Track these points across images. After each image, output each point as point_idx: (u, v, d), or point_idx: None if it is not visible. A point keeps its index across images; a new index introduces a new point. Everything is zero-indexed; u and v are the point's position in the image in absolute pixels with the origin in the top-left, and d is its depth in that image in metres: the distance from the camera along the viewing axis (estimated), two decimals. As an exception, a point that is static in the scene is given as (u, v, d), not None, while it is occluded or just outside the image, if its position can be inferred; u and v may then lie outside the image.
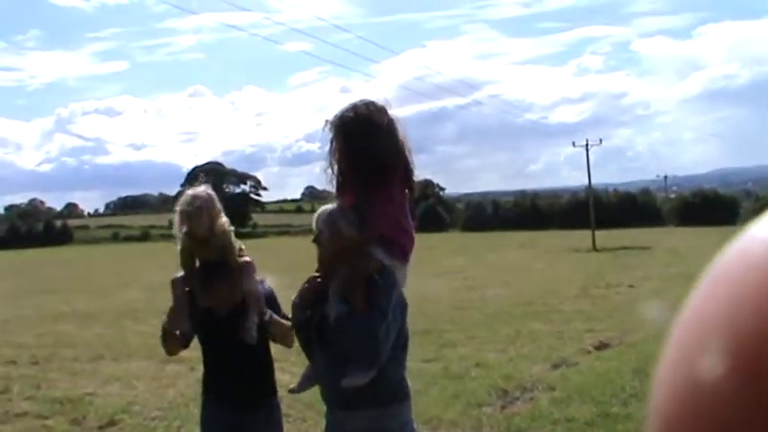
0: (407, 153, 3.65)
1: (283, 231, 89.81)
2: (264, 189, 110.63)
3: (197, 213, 4.39)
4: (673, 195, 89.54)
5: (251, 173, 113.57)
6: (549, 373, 10.17)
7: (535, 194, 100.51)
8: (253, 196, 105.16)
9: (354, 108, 3.61)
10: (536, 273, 26.98)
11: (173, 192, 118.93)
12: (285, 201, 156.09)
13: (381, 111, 3.62)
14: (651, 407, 0.44)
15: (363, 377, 3.40)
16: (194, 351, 13.40)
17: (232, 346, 4.38)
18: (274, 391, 4.62)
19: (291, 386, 3.97)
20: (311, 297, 3.68)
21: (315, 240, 3.63)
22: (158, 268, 33.88)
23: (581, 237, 47.58)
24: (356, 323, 3.44)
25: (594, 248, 42.10)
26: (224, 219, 4.53)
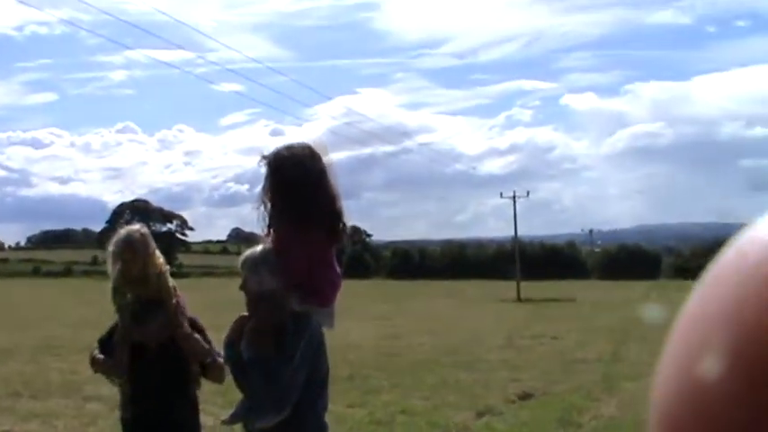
0: (337, 201, 3.68)
1: (208, 272, 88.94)
2: (191, 229, 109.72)
3: (131, 254, 4.39)
4: (597, 249, 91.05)
5: (177, 212, 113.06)
6: (474, 421, 10.19)
7: (462, 244, 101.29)
8: (178, 236, 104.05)
9: (290, 148, 3.68)
10: (462, 322, 27.11)
11: (97, 227, 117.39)
12: (211, 242, 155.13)
13: (315, 157, 3.67)
14: (652, 407, 0.45)
15: (270, 419, 3.50)
16: (115, 391, 13.15)
17: (161, 377, 4.38)
18: (198, 429, 4.63)
19: (223, 417, 4.00)
20: (236, 336, 3.73)
21: (240, 287, 3.70)
22: (81, 304, 33.33)
23: (506, 287, 48.12)
24: (260, 370, 3.53)
25: (519, 299, 42.57)
26: (159, 258, 4.53)
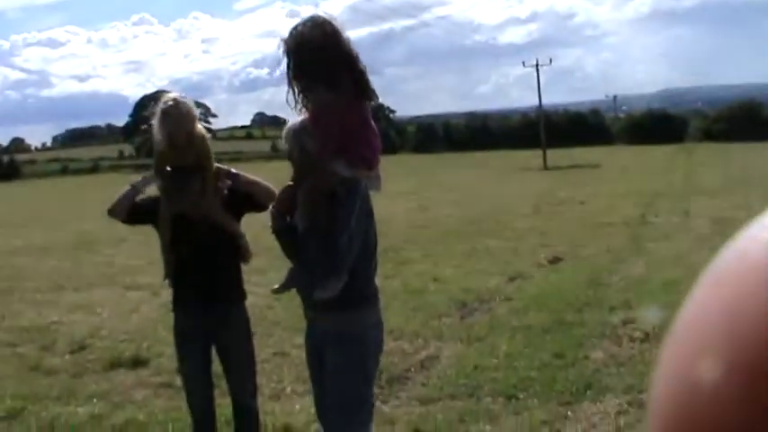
0: (355, 59, 3.76)
1: (234, 158, 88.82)
2: (214, 116, 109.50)
3: (180, 116, 4.45)
4: (622, 115, 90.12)
5: (200, 100, 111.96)
6: (506, 285, 10.47)
7: (485, 115, 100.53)
8: (203, 123, 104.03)
9: (299, 24, 3.76)
10: (489, 192, 27.26)
11: (120, 122, 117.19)
12: (235, 128, 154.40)
13: (325, 22, 3.74)
14: (649, 409, 0.44)
15: (332, 289, 3.63)
16: (156, 277, 13.63)
17: (203, 249, 4.51)
18: (243, 297, 4.75)
19: (275, 286, 4.16)
20: (287, 206, 3.88)
21: (288, 158, 3.83)
22: (110, 199, 33.63)
23: (532, 156, 47.94)
24: (318, 238, 3.67)
25: (545, 167, 42.56)
26: (201, 125, 4.62)
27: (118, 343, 8.56)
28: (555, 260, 12.24)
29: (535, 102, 53.95)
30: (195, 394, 4.76)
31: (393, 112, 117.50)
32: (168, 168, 4.49)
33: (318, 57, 3.66)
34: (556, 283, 10.37)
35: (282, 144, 3.86)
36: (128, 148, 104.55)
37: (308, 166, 3.72)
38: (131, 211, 4.58)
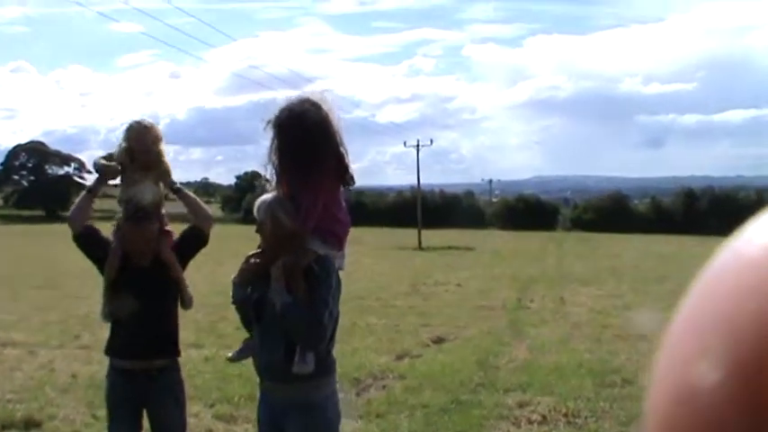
0: (340, 147, 3.95)
1: (107, 216, 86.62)
2: (89, 172, 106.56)
3: (142, 131, 4.69)
4: (495, 199, 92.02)
5: (74, 155, 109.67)
6: (396, 363, 10.62)
7: (360, 192, 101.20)
8: (76, 179, 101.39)
9: (290, 105, 3.91)
10: (366, 269, 27.37)
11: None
12: (108, 186, 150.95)
13: (316, 106, 3.91)
14: (647, 411, 0.44)
15: (311, 363, 3.80)
16: (32, 335, 13.19)
17: (147, 293, 4.61)
18: (179, 353, 4.84)
19: (229, 354, 4.31)
20: (250, 277, 3.99)
21: (258, 230, 3.95)
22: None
23: (407, 235, 48.37)
24: (301, 313, 3.79)
25: (420, 247, 43.03)
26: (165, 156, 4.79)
27: (5, 402, 8.33)
28: (438, 340, 12.46)
29: (409, 181, 54.86)
30: None
31: (269, 181, 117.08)
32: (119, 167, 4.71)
33: (305, 138, 3.82)
34: (445, 362, 10.54)
35: (255, 215, 3.95)
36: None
37: (284, 241, 3.83)
38: (88, 232, 4.66)
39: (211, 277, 15.14)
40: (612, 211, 71.42)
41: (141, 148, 4.64)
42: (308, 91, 4.08)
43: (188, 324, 12.07)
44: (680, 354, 0.42)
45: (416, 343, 12.21)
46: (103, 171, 4.74)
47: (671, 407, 0.41)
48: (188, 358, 9.55)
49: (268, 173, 3.95)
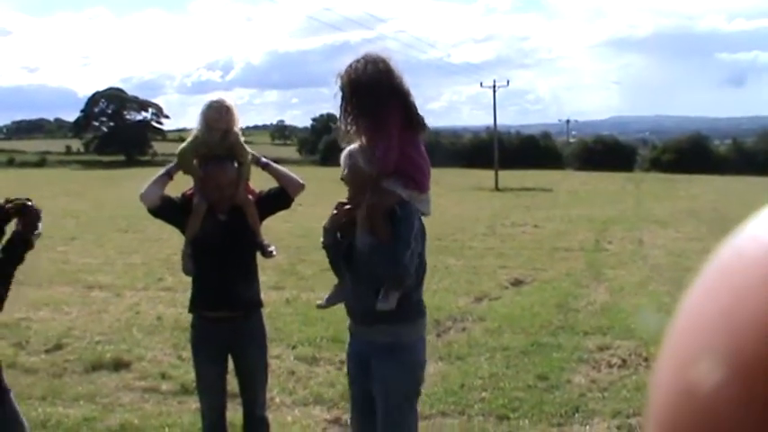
0: (407, 95, 4.06)
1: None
2: (166, 117, 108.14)
3: (220, 109, 4.71)
4: (573, 140, 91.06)
5: (151, 100, 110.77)
6: (475, 305, 10.66)
7: (437, 132, 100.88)
8: (154, 124, 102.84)
9: (357, 62, 4.04)
10: (442, 210, 27.33)
11: (69, 117, 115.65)
12: (185, 129, 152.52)
13: (378, 60, 4.04)
14: (648, 412, 0.44)
15: (393, 302, 3.87)
16: (118, 278, 13.44)
17: (226, 248, 4.67)
18: (261, 304, 4.92)
19: (319, 302, 4.42)
20: (340, 222, 4.11)
21: (342, 178, 4.06)
22: (58, 194, 33.28)
23: (484, 176, 48.15)
24: (383, 253, 3.88)
25: (497, 188, 42.83)
26: (238, 129, 4.83)
27: (94, 344, 8.56)
28: (517, 282, 12.45)
29: (485, 121, 54.28)
30: (209, 405, 4.85)
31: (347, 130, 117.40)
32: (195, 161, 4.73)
33: (371, 91, 3.94)
34: (524, 305, 10.55)
35: (341, 165, 4.06)
36: (76, 144, 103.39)
37: (363, 184, 3.96)
38: (163, 204, 4.67)
39: (291, 219, 15.26)
40: (692, 153, 70.00)
41: (219, 129, 4.67)
42: (372, 49, 4.18)
43: (269, 266, 12.26)
44: (682, 352, 0.42)
45: (495, 285, 12.21)
46: (183, 167, 4.76)
47: (673, 405, 0.41)
48: (269, 300, 9.73)
49: (344, 124, 4.05)
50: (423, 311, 4.15)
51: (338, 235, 4.14)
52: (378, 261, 3.90)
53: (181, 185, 4.87)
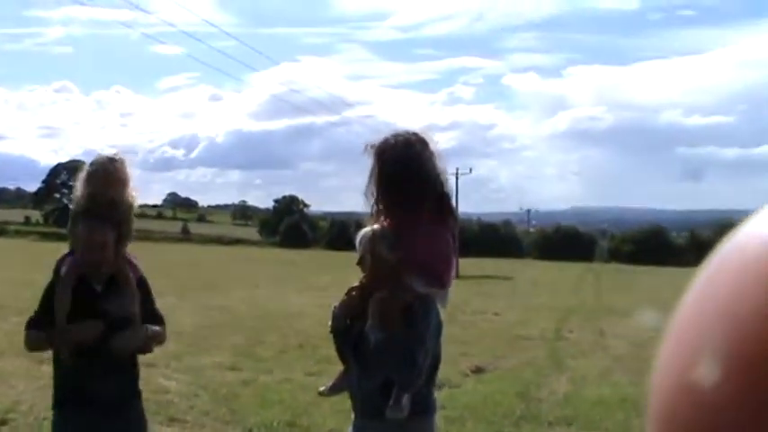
0: (444, 184, 3.84)
1: (143, 237, 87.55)
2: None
3: (108, 175, 4.07)
4: (533, 229, 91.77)
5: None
6: (436, 393, 10.38)
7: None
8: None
9: (396, 136, 3.81)
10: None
11: (30, 187, 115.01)
12: (146, 206, 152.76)
13: (421, 141, 3.81)
14: (648, 411, 0.43)
15: (406, 407, 3.59)
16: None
17: (104, 332, 4.05)
18: (139, 394, 4.39)
19: (321, 388, 4.15)
20: (350, 309, 3.82)
21: (358, 263, 3.79)
22: (15, 264, 32.81)
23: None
24: (395, 351, 3.63)
25: (458, 276, 42.76)
26: (134, 191, 4.23)
27: (41, 420, 8.23)
28: (478, 370, 12.30)
29: (450, 209, 54.37)
30: None
31: (307, 206, 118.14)
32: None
33: (403, 174, 3.70)
34: (485, 393, 10.37)
35: (356, 248, 3.80)
36: (35, 215, 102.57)
37: (382, 275, 3.69)
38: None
39: (249, 300, 15.07)
40: (651, 244, 70.90)
41: (105, 197, 4.04)
42: (416, 128, 3.96)
43: (225, 346, 12.11)
44: (682, 348, 0.42)
45: (456, 372, 12.01)
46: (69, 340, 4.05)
47: (673, 402, 0.41)
48: (225, 381, 9.52)
49: (366, 201, 3.80)
50: (433, 407, 3.89)
51: (347, 321, 3.84)
52: (389, 359, 3.65)
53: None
